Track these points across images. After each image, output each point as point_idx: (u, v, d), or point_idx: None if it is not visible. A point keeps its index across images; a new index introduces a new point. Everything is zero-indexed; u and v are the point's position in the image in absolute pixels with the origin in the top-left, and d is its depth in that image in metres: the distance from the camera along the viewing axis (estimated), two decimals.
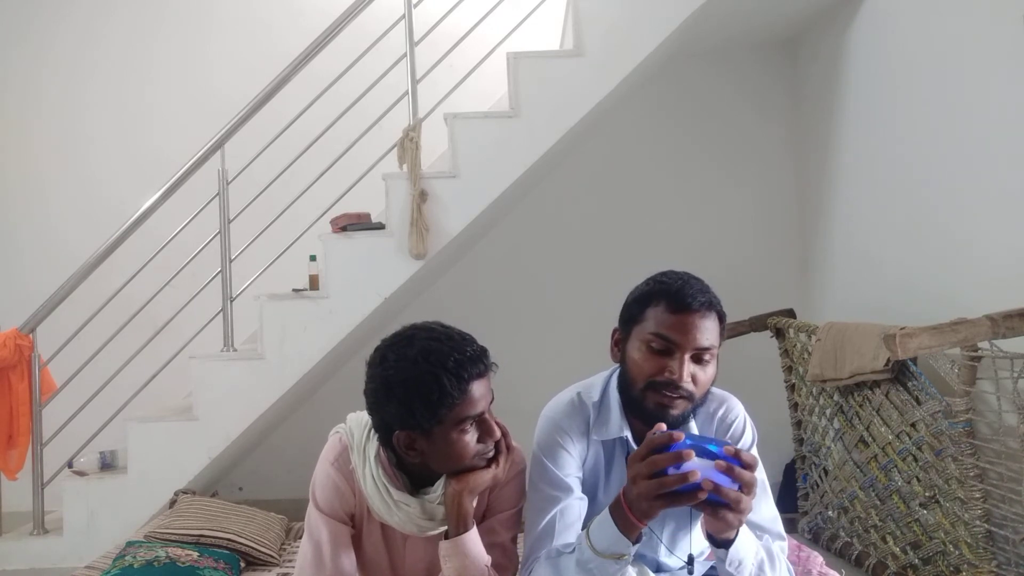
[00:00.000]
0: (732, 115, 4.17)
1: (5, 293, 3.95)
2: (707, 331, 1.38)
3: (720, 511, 1.18)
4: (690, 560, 1.42)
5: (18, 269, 4.15)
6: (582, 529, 1.35)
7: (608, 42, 3.16)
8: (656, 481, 1.16)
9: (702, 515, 1.50)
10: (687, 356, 1.37)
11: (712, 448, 1.19)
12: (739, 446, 1.50)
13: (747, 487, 1.18)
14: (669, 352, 1.38)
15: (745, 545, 1.29)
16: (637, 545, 1.26)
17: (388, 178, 3.16)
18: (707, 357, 1.40)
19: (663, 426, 1.23)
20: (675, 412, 1.39)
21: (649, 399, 1.40)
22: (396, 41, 3.26)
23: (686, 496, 1.17)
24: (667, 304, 1.39)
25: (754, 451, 1.53)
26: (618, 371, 1.52)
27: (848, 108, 3.53)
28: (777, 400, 3.41)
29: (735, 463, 1.18)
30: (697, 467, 1.16)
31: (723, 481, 1.17)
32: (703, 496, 1.16)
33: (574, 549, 1.31)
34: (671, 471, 1.17)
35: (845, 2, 3.46)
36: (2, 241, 4.24)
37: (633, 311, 1.45)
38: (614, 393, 1.50)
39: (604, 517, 1.26)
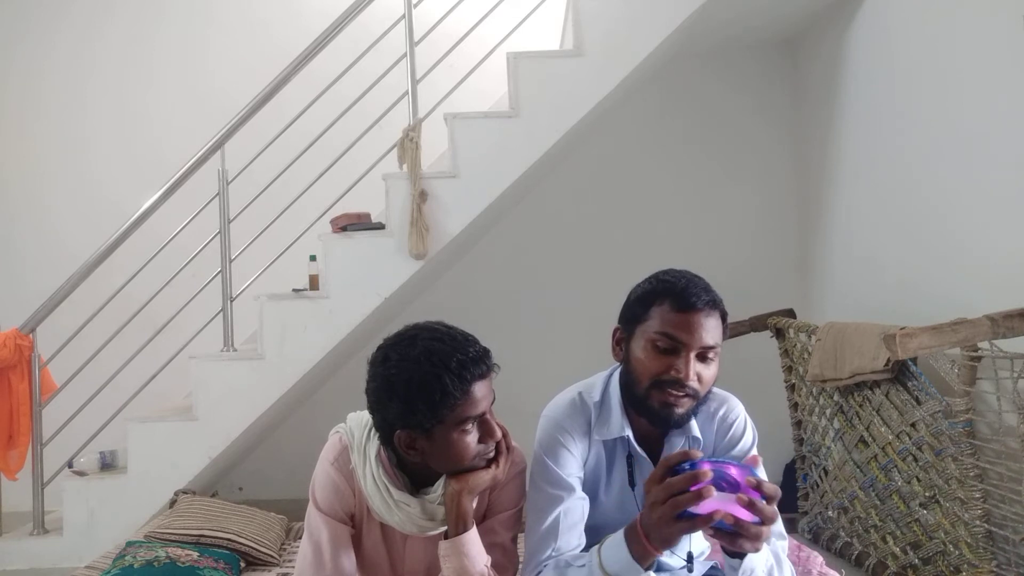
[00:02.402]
0: (732, 115, 4.17)
1: (5, 293, 3.96)
2: (712, 330, 1.38)
3: (737, 540, 1.15)
4: (689, 558, 1.42)
5: (18, 269, 4.16)
6: (594, 543, 1.34)
7: (608, 42, 3.16)
8: (671, 502, 1.13)
9: None
10: (693, 355, 1.37)
11: (731, 474, 1.14)
12: (739, 446, 1.50)
13: (767, 520, 1.14)
14: (675, 351, 1.38)
15: (758, 554, 1.28)
16: (650, 570, 1.24)
17: (388, 178, 3.16)
18: (711, 355, 1.40)
19: (684, 451, 1.19)
20: (680, 411, 1.39)
21: (654, 398, 1.40)
22: (396, 41, 3.27)
23: (704, 519, 1.12)
24: (672, 303, 1.39)
25: (754, 451, 1.53)
26: (619, 370, 1.52)
27: (848, 108, 3.53)
28: (777, 400, 3.41)
29: (756, 495, 1.14)
30: (717, 502, 1.11)
31: (743, 515, 1.13)
32: (718, 518, 1.11)
33: (584, 564, 1.30)
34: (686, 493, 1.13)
35: (845, 2, 3.46)
36: (2, 241, 4.24)
37: (637, 310, 1.44)
38: (615, 392, 1.50)
39: (618, 540, 1.24)
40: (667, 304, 1.39)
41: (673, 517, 1.13)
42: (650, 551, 1.20)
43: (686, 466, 1.15)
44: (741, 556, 1.26)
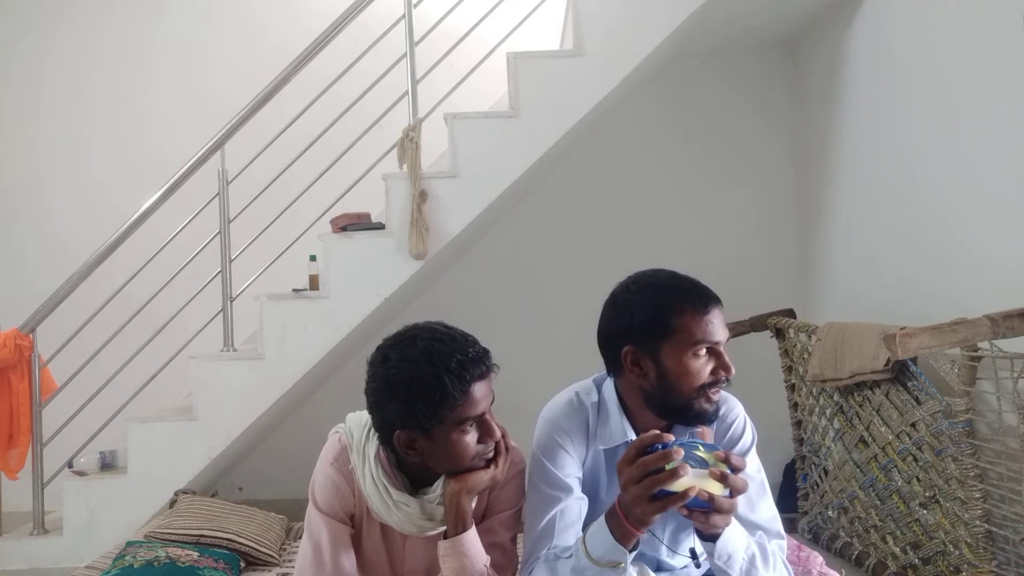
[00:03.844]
0: (732, 115, 4.17)
1: (5, 293, 3.96)
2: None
3: (709, 515, 1.19)
4: (693, 555, 1.43)
5: (18, 269, 4.16)
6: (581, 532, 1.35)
7: (608, 42, 3.16)
8: (647, 481, 1.16)
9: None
10: (723, 347, 1.40)
11: (700, 453, 1.19)
12: (739, 446, 1.51)
13: (738, 492, 1.19)
14: (714, 352, 1.39)
15: (734, 539, 1.29)
16: (634, 552, 1.25)
17: (388, 178, 3.16)
18: None
19: (656, 433, 1.22)
20: (719, 399, 1.43)
21: (700, 401, 1.39)
22: (396, 41, 3.27)
23: (680, 496, 1.15)
24: (691, 308, 1.38)
25: (754, 451, 1.53)
26: (624, 383, 1.48)
27: (848, 108, 3.53)
28: (777, 400, 3.41)
29: (728, 470, 1.18)
30: (692, 479, 1.15)
31: (716, 489, 1.17)
32: (693, 494, 1.15)
33: (571, 554, 1.31)
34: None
35: (845, 2, 3.46)
36: (2, 241, 4.24)
37: (656, 325, 1.38)
38: (610, 398, 1.49)
39: (600, 524, 1.25)
40: (688, 311, 1.37)
41: (649, 496, 1.16)
42: (631, 531, 1.22)
43: (658, 446, 1.18)
44: (714, 539, 1.27)
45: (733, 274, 3.90)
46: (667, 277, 1.44)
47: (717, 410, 1.43)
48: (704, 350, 1.38)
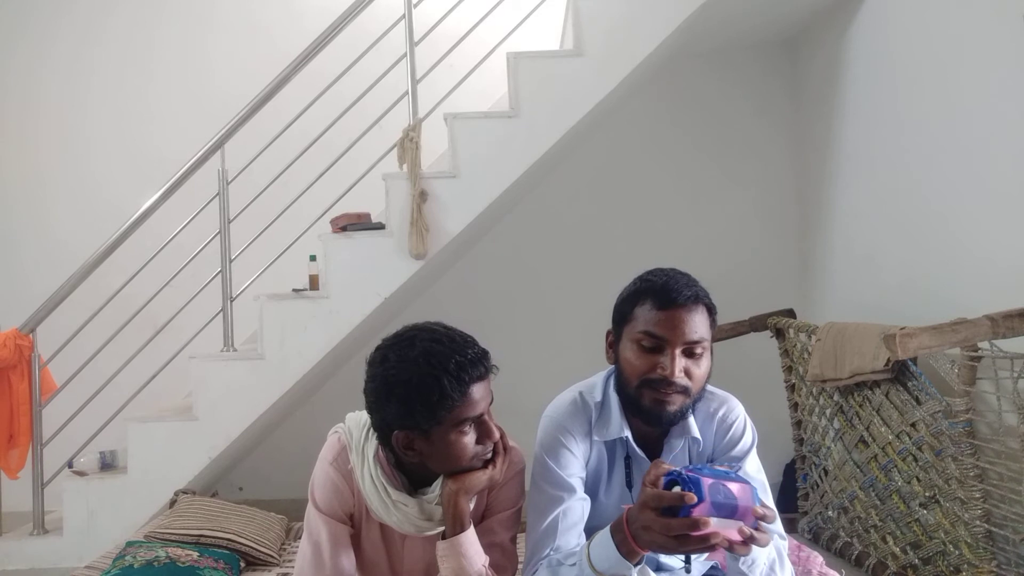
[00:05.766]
0: (732, 115, 4.17)
1: (5, 293, 3.96)
2: (696, 324, 1.39)
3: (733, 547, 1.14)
4: (687, 559, 1.43)
5: (18, 269, 4.16)
6: (586, 537, 1.35)
7: (608, 42, 3.16)
8: (674, 539, 1.13)
9: None
10: (678, 351, 1.38)
11: (732, 495, 1.13)
12: (739, 447, 1.51)
13: (760, 544, 1.14)
14: (660, 349, 1.38)
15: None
16: (639, 566, 1.24)
17: (388, 178, 3.16)
18: (699, 350, 1.40)
19: (664, 466, 1.18)
20: (672, 408, 1.39)
21: (646, 397, 1.40)
22: (396, 41, 3.27)
23: (697, 541, 1.12)
24: (653, 301, 1.40)
25: (754, 452, 1.53)
26: (615, 372, 1.52)
27: (848, 108, 3.53)
28: (777, 400, 3.41)
29: (753, 524, 1.13)
30: (717, 527, 1.11)
31: (736, 539, 1.12)
32: (716, 542, 1.11)
33: (575, 563, 1.31)
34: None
35: (845, 2, 3.46)
36: (2, 241, 4.24)
37: (622, 311, 1.46)
38: (613, 393, 1.51)
39: (605, 538, 1.24)
40: (648, 303, 1.41)
41: (670, 537, 1.13)
42: (636, 550, 1.20)
43: (682, 480, 1.13)
44: None
45: (733, 274, 3.91)
46: (658, 272, 1.47)
47: (666, 416, 1.39)
48: (650, 342, 1.39)
